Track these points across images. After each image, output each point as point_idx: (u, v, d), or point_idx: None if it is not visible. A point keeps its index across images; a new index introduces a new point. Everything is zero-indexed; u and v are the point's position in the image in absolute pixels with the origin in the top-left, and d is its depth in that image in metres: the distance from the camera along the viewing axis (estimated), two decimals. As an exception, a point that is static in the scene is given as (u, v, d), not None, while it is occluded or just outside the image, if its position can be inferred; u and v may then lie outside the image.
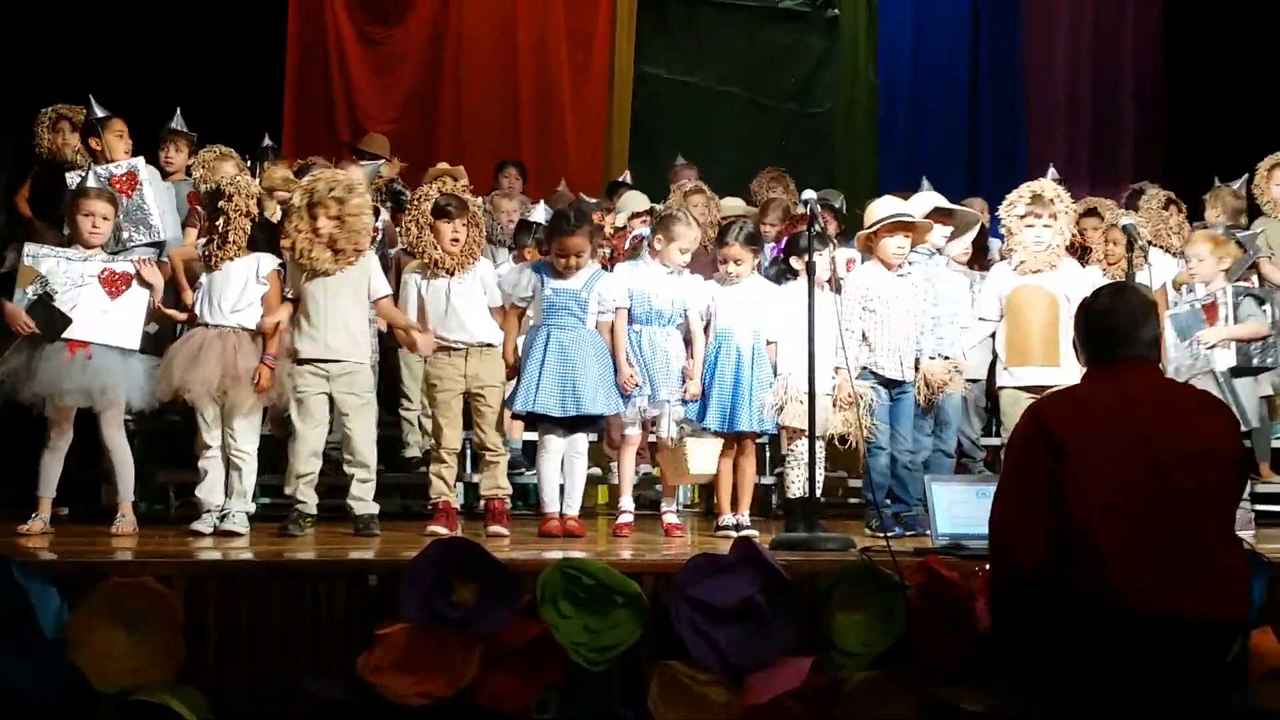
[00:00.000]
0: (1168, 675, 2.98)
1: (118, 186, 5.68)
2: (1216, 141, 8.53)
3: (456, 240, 5.26)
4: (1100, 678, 3.01)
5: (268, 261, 5.27)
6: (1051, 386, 5.49)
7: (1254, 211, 6.89)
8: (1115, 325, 3.21)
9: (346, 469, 5.29)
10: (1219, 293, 5.68)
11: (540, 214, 6.68)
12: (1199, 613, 2.96)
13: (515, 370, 5.30)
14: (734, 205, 7.19)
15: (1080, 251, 6.57)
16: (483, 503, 5.39)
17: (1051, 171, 7.54)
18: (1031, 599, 3.12)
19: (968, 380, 5.92)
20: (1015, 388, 5.69)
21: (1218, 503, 3.07)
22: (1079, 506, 3.01)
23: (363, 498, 5.24)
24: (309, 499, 5.20)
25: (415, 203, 5.39)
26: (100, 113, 6.11)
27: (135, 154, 6.05)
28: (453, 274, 5.27)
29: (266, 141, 7.30)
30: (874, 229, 5.57)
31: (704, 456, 5.33)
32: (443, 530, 5.00)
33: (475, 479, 6.63)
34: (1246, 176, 6.97)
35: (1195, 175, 7.64)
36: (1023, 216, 5.75)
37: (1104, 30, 9.53)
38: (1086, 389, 3.26)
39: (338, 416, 5.33)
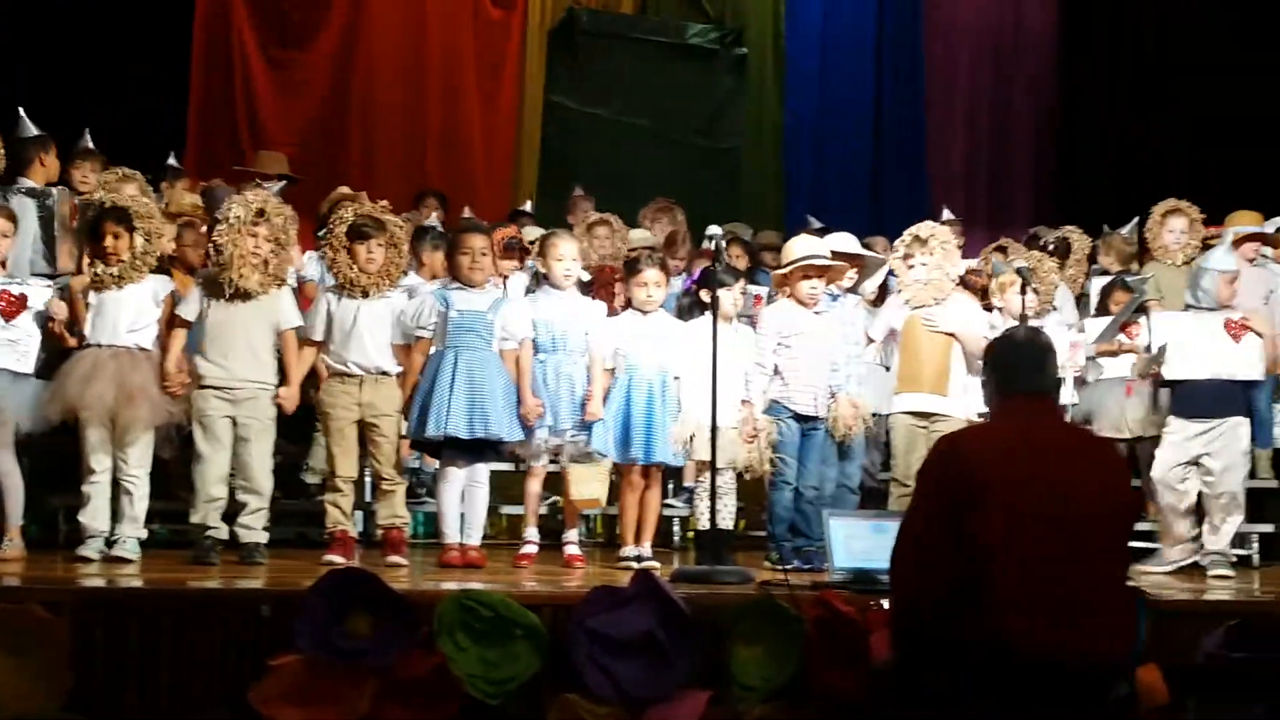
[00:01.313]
0: (1060, 715, 3.02)
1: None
2: (1107, 188, 8.80)
3: (373, 260, 5.22)
4: (994, 716, 3.05)
5: (165, 284, 5.21)
6: (939, 414, 5.72)
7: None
8: (1028, 359, 3.30)
9: (240, 495, 5.17)
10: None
11: (435, 219, 6.66)
12: (1091, 653, 3.01)
13: (408, 405, 5.23)
14: (642, 237, 7.21)
15: (981, 290, 6.72)
16: (380, 532, 5.32)
17: (946, 213, 7.73)
18: (930, 634, 3.14)
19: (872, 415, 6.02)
20: (905, 413, 5.81)
21: (1113, 546, 3.15)
22: (985, 544, 3.02)
23: (252, 526, 5.14)
24: (219, 525, 5.09)
25: (332, 225, 5.35)
26: (33, 131, 6.00)
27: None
28: (367, 294, 5.22)
29: (171, 161, 7.16)
30: (789, 269, 5.65)
31: (586, 483, 5.34)
32: (339, 560, 4.92)
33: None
34: (1136, 221, 7.19)
35: (1087, 219, 7.89)
36: (905, 258, 5.94)
37: (1002, 78, 9.79)
38: (1000, 428, 3.31)
39: (236, 440, 5.20)
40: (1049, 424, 3.27)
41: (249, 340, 5.14)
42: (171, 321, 5.17)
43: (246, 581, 4.43)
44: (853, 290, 6.08)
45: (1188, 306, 6.00)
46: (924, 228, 6.03)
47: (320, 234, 6.40)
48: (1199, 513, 5.88)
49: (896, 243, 6.04)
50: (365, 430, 5.22)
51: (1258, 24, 8.30)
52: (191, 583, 4.33)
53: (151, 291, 5.16)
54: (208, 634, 3.74)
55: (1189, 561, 5.83)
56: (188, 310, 5.17)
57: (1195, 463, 5.79)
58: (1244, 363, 5.82)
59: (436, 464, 6.21)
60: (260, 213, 5.18)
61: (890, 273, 6.47)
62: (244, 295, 5.12)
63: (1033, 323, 5.81)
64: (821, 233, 6.38)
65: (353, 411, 5.18)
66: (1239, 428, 5.83)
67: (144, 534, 5.21)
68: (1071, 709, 3.03)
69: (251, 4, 8.83)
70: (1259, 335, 5.86)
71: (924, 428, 5.71)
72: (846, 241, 6.04)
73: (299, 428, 6.22)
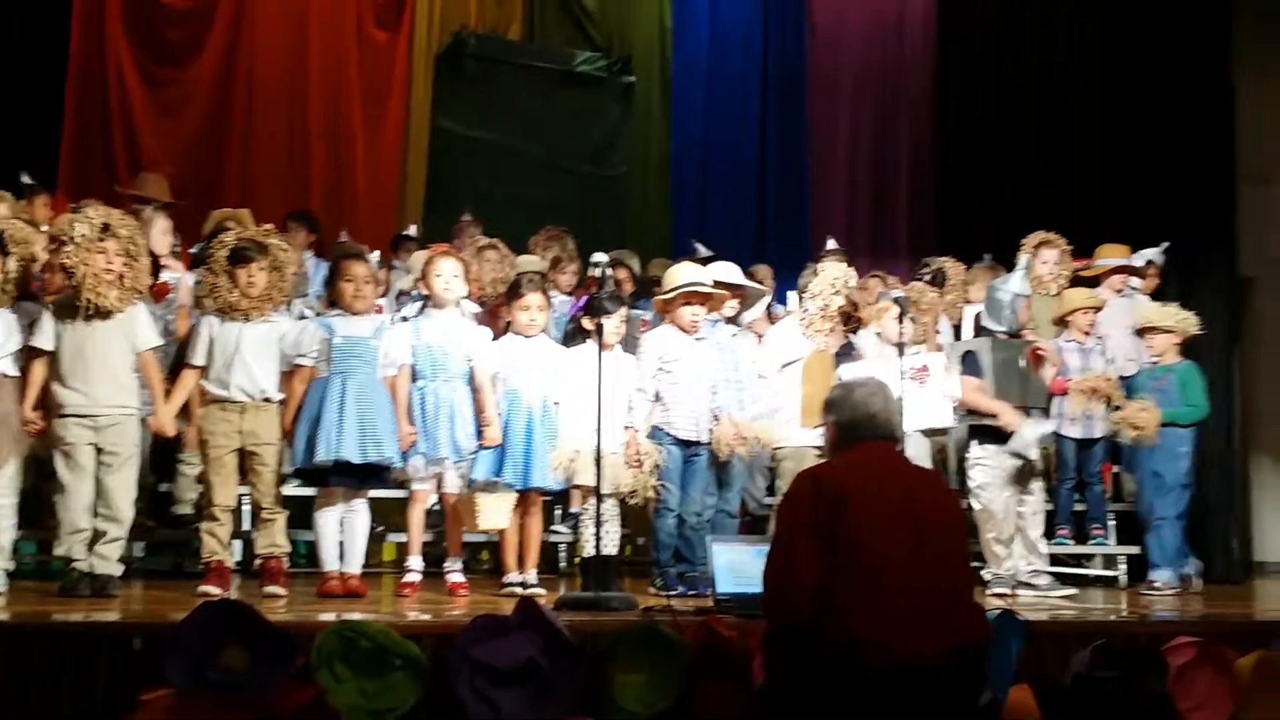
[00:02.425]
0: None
1: None
2: (984, 220, 9.04)
3: (254, 284, 5.13)
4: None
5: (29, 309, 5.05)
6: None
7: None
8: (874, 412, 3.59)
9: (99, 524, 4.97)
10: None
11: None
12: (947, 657, 3.22)
13: (290, 433, 5.15)
14: (530, 262, 7.19)
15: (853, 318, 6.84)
16: (259, 562, 5.21)
17: (830, 243, 7.87)
18: (803, 651, 3.29)
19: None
20: (806, 446, 5.84)
21: (959, 561, 3.49)
22: (849, 557, 3.26)
23: (108, 556, 4.95)
24: (84, 557, 4.91)
25: (213, 249, 5.25)
26: None
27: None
28: (249, 318, 5.12)
29: (25, 178, 6.91)
30: (671, 295, 5.69)
31: (494, 510, 5.32)
32: (215, 591, 4.82)
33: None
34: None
35: (965, 250, 8.10)
36: (813, 297, 5.98)
37: (883, 110, 10.01)
38: (853, 460, 3.53)
39: (99, 467, 5.01)
40: (893, 459, 3.62)
41: (109, 363, 4.99)
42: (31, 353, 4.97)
43: (110, 615, 4.29)
44: (733, 320, 6.14)
45: (982, 330, 6.18)
46: (832, 270, 6.07)
47: (196, 252, 6.29)
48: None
49: (802, 282, 6.08)
50: (245, 459, 5.11)
51: (1125, 70, 8.61)
52: (59, 616, 4.18)
53: (15, 316, 5.00)
54: (77, 668, 3.62)
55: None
56: (43, 339, 4.96)
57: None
58: (1038, 393, 6.11)
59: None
60: (106, 228, 5.01)
61: (777, 302, 6.58)
62: (103, 314, 4.97)
63: (912, 351, 5.97)
64: (707, 260, 6.45)
65: (233, 440, 5.08)
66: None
67: (11, 565, 5.03)
68: (934, 713, 3.22)
69: (129, 22, 8.61)
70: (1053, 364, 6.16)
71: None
72: (729, 271, 6.11)
73: (168, 456, 6.09)
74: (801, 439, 5.85)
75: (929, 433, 6.07)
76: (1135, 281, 7.13)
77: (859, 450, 3.55)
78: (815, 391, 5.83)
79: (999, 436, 5.96)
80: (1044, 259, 7.05)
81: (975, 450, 6.00)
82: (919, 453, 5.99)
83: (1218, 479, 7.73)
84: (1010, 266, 7.23)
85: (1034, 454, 5.94)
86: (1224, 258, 7.91)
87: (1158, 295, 7.31)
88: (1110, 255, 7.20)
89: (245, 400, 5.09)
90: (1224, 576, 7.51)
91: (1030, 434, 5.85)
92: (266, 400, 5.14)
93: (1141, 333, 6.58)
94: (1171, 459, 6.42)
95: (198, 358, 5.14)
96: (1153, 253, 7.29)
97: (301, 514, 5.63)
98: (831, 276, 6.03)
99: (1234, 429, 7.85)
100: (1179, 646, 4.20)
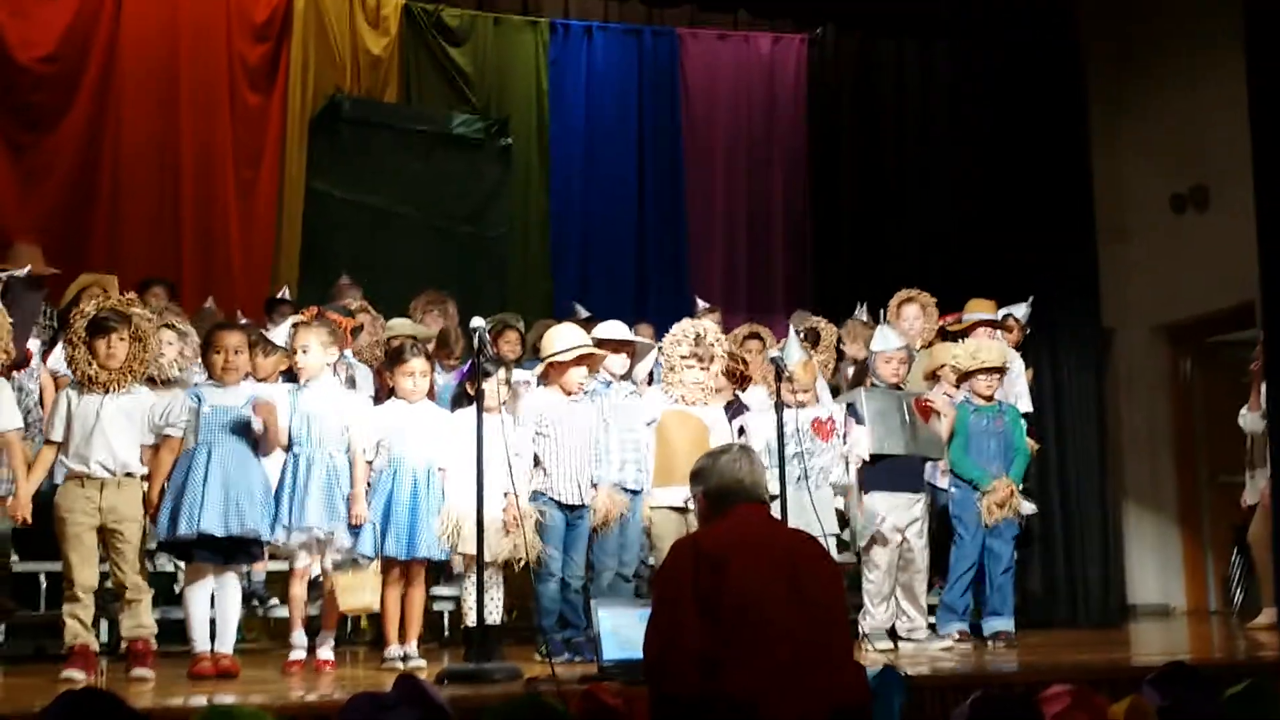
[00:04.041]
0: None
1: None
2: (859, 273, 9.24)
3: (113, 355, 4.97)
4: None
5: None
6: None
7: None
8: (740, 477, 3.62)
9: None
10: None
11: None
12: (830, 711, 3.25)
13: (156, 507, 5.01)
14: (401, 325, 7.10)
15: (739, 376, 6.92)
16: (124, 644, 5.00)
17: (701, 303, 7.97)
18: (689, 715, 3.28)
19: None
20: (665, 507, 5.86)
21: (839, 620, 3.53)
22: (730, 619, 3.27)
23: None
24: None
25: (72, 319, 5.08)
26: None
27: None
28: (108, 390, 4.96)
29: None
30: (566, 359, 5.67)
31: (354, 591, 5.21)
32: (79, 675, 4.64)
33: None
34: (865, 306, 7.59)
35: (839, 305, 8.27)
36: (684, 357, 5.99)
37: (757, 168, 10.20)
38: (728, 526, 3.56)
39: None
40: (767, 521, 3.69)
41: None
42: None
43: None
44: (625, 377, 6.15)
45: (872, 386, 6.33)
46: (709, 328, 6.10)
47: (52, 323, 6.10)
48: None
49: (677, 334, 6.06)
50: (106, 536, 4.93)
51: (988, 130, 8.91)
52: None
53: None
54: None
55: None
56: None
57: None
58: (926, 442, 6.21)
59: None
60: None
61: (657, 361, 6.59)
62: None
63: (793, 411, 6.04)
64: (589, 321, 6.46)
65: (93, 517, 4.90)
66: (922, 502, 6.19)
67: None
68: None
69: (-9, 85, 8.38)
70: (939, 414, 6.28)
71: (685, 521, 5.71)
72: (616, 329, 6.12)
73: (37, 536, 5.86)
74: (659, 499, 5.87)
75: (836, 488, 6.13)
76: (999, 333, 7.32)
77: (732, 516, 3.58)
78: (668, 452, 5.88)
79: (891, 487, 6.07)
80: (905, 315, 7.21)
81: (867, 501, 6.09)
82: (825, 507, 5.99)
83: (1091, 524, 7.95)
84: (878, 320, 7.42)
85: (887, 528, 6.02)
86: (1087, 310, 8.18)
87: (1023, 349, 7.53)
88: (977, 310, 7.39)
89: (105, 476, 4.93)
90: (1100, 620, 7.70)
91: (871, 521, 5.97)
92: (128, 475, 4.98)
93: (965, 378, 6.58)
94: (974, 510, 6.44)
95: (55, 433, 4.97)
96: (1018, 308, 7.51)
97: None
98: (677, 328, 6.06)
99: (1106, 474, 8.09)
100: (1054, 695, 4.26)
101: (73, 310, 5.22)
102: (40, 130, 8.48)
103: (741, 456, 3.69)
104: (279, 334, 6.27)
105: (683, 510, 5.79)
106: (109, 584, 4.96)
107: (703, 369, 5.99)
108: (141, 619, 4.96)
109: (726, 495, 3.62)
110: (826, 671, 3.31)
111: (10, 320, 5.12)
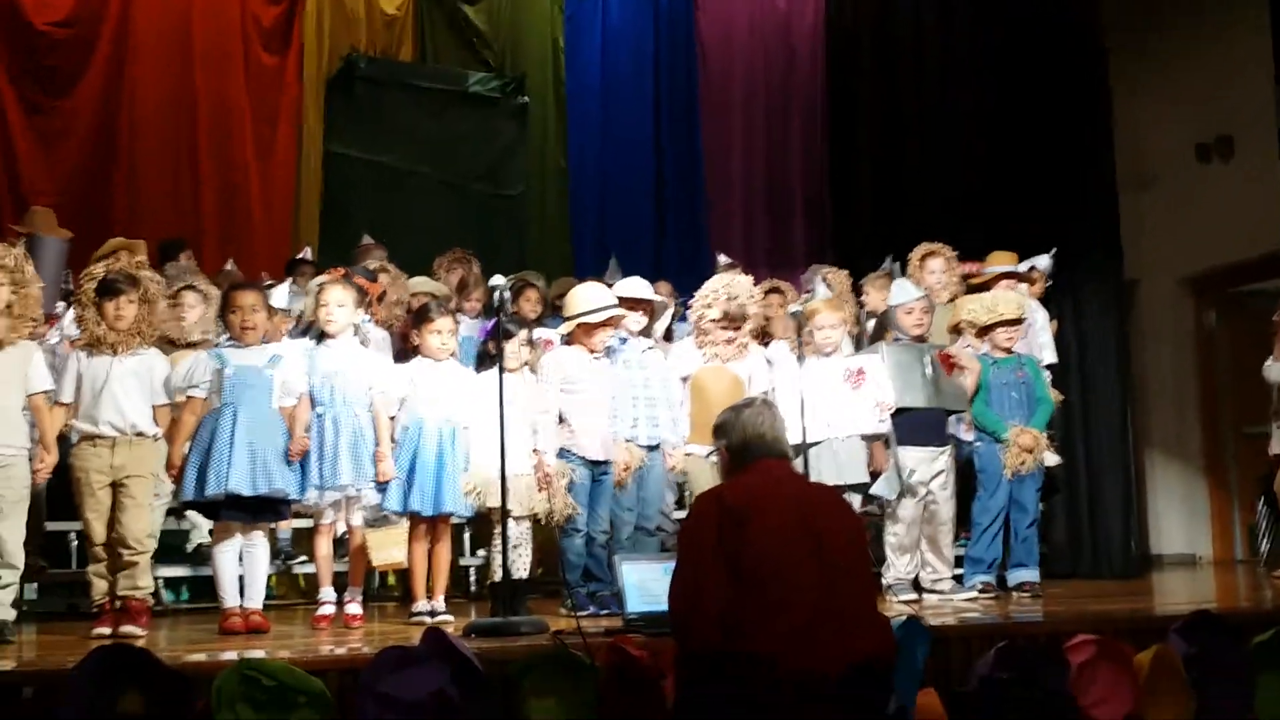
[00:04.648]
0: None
1: None
2: (879, 226, 9.18)
3: (122, 317, 5.01)
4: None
5: None
6: None
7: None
8: (762, 432, 3.62)
9: None
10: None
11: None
12: (852, 671, 3.25)
13: (180, 469, 5.03)
14: (422, 284, 7.13)
15: (761, 331, 6.90)
16: (119, 601, 5.00)
17: (722, 258, 7.93)
18: (712, 669, 3.29)
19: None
20: (697, 455, 5.83)
21: (862, 574, 3.51)
22: (752, 575, 3.28)
23: (1, 602, 4.78)
24: None
25: (81, 281, 5.13)
26: None
27: None
28: (117, 352, 5.00)
29: None
30: (595, 320, 5.66)
31: (384, 547, 5.25)
32: (108, 632, 4.69)
33: (163, 572, 6.29)
34: (890, 258, 7.54)
35: (861, 258, 8.22)
36: (717, 320, 5.96)
37: (775, 121, 10.13)
38: (751, 480, 3.56)
39: None
40: (789, 475, 3.69)
41: (1, 400, 4.83)
42: None
43: (5, 663, 4.14)
44: (644, 334, 6.14)
45: (895, 340, 6.31)
46: (741, 290, 6.02)
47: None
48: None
49: (708, 297, 6.01)
50: (115, 492, 4.97)
51: (1008, 80, 8.81)
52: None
53: None
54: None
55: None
56: None
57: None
58: (949, 395, 6.19)
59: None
60: None
61: (679, 317, 6.59)
62: None
63: (814, 360, 6.04)
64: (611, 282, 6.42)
65: (106, 475, 4.95)
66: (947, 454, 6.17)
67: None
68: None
69: (8, 50, 8.37)
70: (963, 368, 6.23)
71: None
72: (638, 286, 6.10)
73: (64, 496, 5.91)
74: (697, 453, 5.85)
75: (866, 438, 6.11)
76: (1023, 286, 7.27)
77: (754, 470, 3.59)
78: (702, 408, 5.87)
79: (913, 441, 6.05)
80: (931, 269, 7.16)
81: (900, 454, 6.08)
82: (853, 459, 5.99)
83: (1113, 475, 7.92)
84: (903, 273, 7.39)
85: (892, 495, 6.00)
86: (1109, 262, 8.11)
87: (1046, 300, 7.48)
88: (999, 262, 7.34)
89: (115, 435, 4.96)
90: (1122, 572, 7.69)
91: (883, 485, 5.95)
92: (139, 435, 5.01)
93: (984, 331, 6.51)
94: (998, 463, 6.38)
95: (65, 394, 5.01)
96: (1040, 260, 7.46)
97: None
98: (709, 289, 6.04)
99: (1128, 426, 8.05)
100: (1079, 644, 4.29)
101: (81, 273, 5.26)
102: (58, 94, 8.50)
103: (764, 411, 3.70)
104: (278, 296, 6.31)
105: (720, 465, 5.81)
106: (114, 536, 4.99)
107: (735, 330, 5.97)
108: (138, 579, 4.98)
109: (749, 449, 3.62)
110: (847, 627, 3.31)
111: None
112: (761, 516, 3.35)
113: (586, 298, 5.78)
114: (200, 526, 6.30)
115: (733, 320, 5.96)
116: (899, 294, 6.36)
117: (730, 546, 3.32)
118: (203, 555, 6.34)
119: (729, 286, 6.05)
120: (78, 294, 5.11)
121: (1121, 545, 7.81)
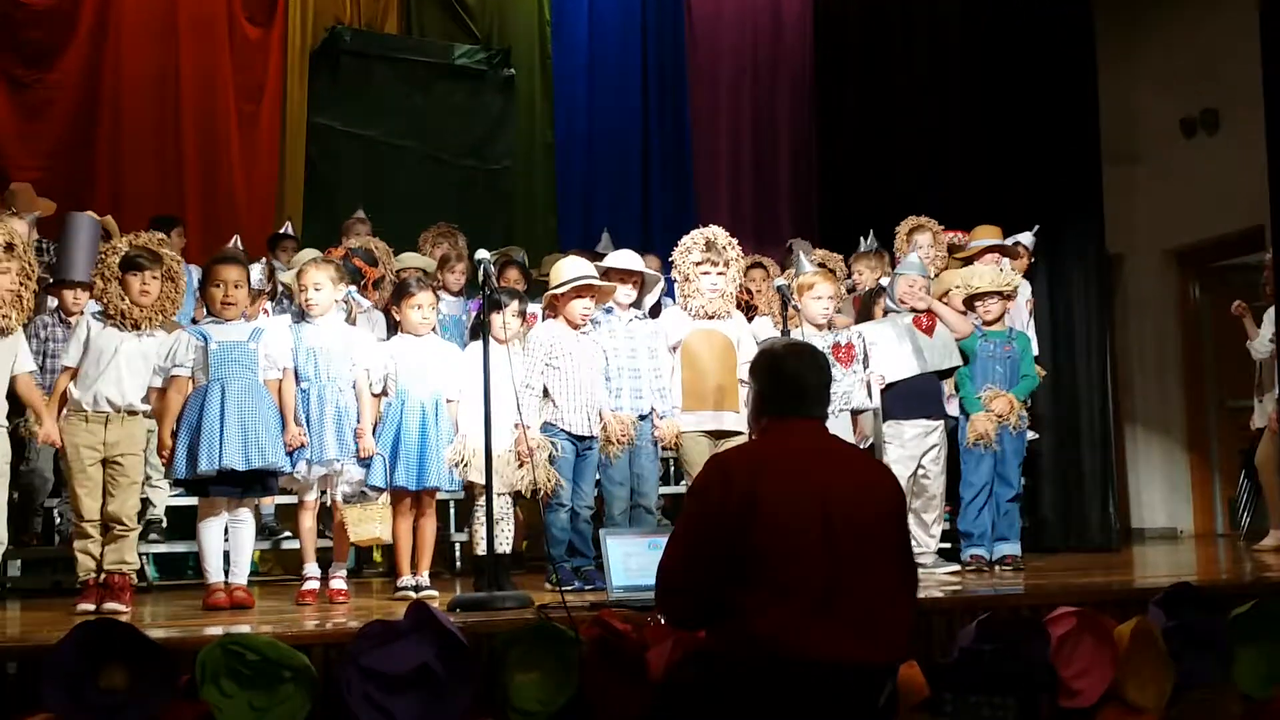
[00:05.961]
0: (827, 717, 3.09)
1: None
2: (865, 201, 9.18)
3: (147, 293, 4.99)
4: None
5: None
6: (728, 429, 5.74)
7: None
8: (806, 383, 3.26)
9: None
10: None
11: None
12: (856, 656, 3.07)
13: (171, 448, 5.02)
14: (411, 259, 7.14)
15: (745, 306, 6.91)
16: (103, 576, 4.99)
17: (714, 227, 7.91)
18: (706, 649, 3.22)
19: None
20: (695, 431, 5.83)
21: (887, 555, 3.16)
22: (754, 563, 3.08)
23: None
24: None
25: (104, 256, 5.11)
26: None
27: None
28: (138, 326, 4.98)
29: None
30: (563, 291, 5.65)
31: (364, 523, 5.25)
32: (92, 608, 4.69)
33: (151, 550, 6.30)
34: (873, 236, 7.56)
35: (845, 235, 8.22)
36: (698, 263, 5.89)
37: (763, 96, 10.11)
38: (767, 445, 3.30)
39: None
40: (817, 442, 3.27)
41: None
42: None
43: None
44: (634, 306, 6.12)
45: (886, 312, 6.38)
46: (719, 234, 5.93)
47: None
48: None
49: (686, 243, 5.94)
50: (106, 469, 4.96)
51: (993, 53, 8.79)
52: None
53: None
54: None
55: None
56: None
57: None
58: (936, 353, 6.23)
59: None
60: (9, 247, 4.88)
61: (667, 293, 6.57)
62: None
63: (813, 336, 6.04)
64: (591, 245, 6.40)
65: (98, 451, 4.93)
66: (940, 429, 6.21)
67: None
68: (839, 711, 3.10)
69: (-11, 23, 8.31)
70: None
71: (716, 446, 5.66)
72: (625, 258, 6.08)
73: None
74: (689, 424, 5.84)
75: (854, 412, 6.13)
76: (1007, 260, 7.28)
77: (778, 431, 3.26)
78: (694, 375, 5.86)
79: (907, 414, 6.09)
80: (917, 244, 7.18)
81: (885, 429, 6.10)
82: (841, 434, 6.00)
83: (1095, 449, 7.96)
84: (889, 248, 7.39)
85: (872, 404, 6.03)
86: (1092, 236, 8.13)
87: (1029, 275, 7.50)
88: (985, 236, 7.36)
89: (109, 411, 4.94)
90: (1103, 545, 7.75)
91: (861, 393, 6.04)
92: (131, 413, 5.00)
93: (973, 301, 6.54)
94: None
95: (71, 358, 4.99)
96: (1024, 236, 7.48)
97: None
98: (687, 242, 5.96)
99: (1108, 400, 8.09)
100: (1060, 617, 4.32)
101: (103, 246, 5.22)
102: (40, 67, 8.41)
103: (811, 360, 3.29)
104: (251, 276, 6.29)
105: (714, 434, 5.79)
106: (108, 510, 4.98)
107: (720, 274, 5.90)
108: (125, 555, 4.96)
109: (781, 403, 3.26)
110: (850, 628, 3.06)
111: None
112: (770, 504, 3.06)
113: (562, 270, 5.78)
114: (157, 505, 6.32)
115: (714, 263, 5.86)
116: (907, 265, 6.42)
117: (732, 526, 3.08)
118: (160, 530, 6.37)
119: (705, 231, 6.01)
120: (99, 268, 5.07)
121: (1102, 519, 7.87)
